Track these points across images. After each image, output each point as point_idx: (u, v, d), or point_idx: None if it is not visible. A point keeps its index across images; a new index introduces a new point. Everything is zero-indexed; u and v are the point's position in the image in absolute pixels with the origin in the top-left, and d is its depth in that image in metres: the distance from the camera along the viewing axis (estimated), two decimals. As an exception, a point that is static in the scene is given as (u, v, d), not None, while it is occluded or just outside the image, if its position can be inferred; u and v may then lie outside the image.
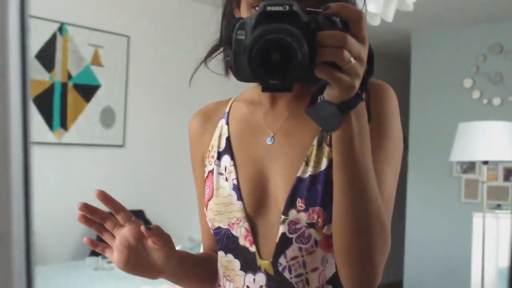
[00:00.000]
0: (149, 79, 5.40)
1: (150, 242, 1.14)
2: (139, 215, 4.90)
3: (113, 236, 1.17)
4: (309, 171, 1.12)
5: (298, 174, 1.13)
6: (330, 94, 0.89)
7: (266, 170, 1.18)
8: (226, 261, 1.21)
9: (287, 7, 0.86)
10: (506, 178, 6.30)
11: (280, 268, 1.14)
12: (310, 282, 1.13)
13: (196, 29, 5.69)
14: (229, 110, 1.31)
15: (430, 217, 6.61)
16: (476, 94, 6.41)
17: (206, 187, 1.25)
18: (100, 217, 1.18)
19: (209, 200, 1.23)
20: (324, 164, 1.12)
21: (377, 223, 0.99)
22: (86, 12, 4.92)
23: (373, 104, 1.06)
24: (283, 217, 1.13)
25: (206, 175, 1.27)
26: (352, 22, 0.86)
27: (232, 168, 1.22)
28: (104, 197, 1.18)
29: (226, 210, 1.20)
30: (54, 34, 4.69)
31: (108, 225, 1.18)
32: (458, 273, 6.08)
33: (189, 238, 4.71)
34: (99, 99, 4.99)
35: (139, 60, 5.30)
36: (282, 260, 1.14)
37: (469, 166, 6.49)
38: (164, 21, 5.52)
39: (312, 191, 1.11)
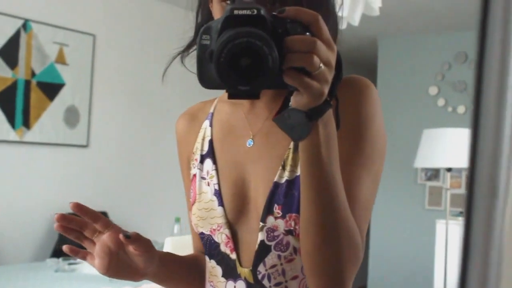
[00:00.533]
0: (115, 78, 5.34)
1: (130, 248, 1.11)
2: (102, 217, 4.83)
3: (94, 243, 1.14)
4: (286, 176, 1.10)
5: (275, 179, 1.11)
6: (298, 101, 0.86)
7: (246, 174, 1.16)
8: (211, 267, 1.20)
9: (255, 11, 0.83)
10: (469, 186, 6.37)
11: (259, 276, 1.12)
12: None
13: (162, 28, 5.67)
14: (213, 110, 1.28)
15: (394, 223, 6.65)
16: (441, 102, 6.48)
17: (191, 191, 1.24)
18: (78, 225, 1.14)
19: (192, 204, 1.22)
20: (289, 169, 1.10)
21: (345, 233, 0.96)
22: (51, 9, 4.84)
23: (350, 104, 1.04)
24: (261, 224, 1.11)
25: (191, 178, 1.25)
26: (310, 25, 0.83)
27: (214, 173, 1.20)
28: (80, 208, 1.13)
29: (208, 216, 1.18)
30: (18, 31, 4.61)
31: (87, 233, 1.14)
32: (421, 279, 6.12)
33: (153, 241, 4.65)
34: (64, 98, 4.91)
35: (105, 59, 5.24)
36: (261, 268, 1.12)
37: (433, 174, 6.55)
38: (130, 20, 5.48)
39: (289, 196, 1.09)
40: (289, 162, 1.10)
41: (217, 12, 1.10)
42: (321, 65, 0.81)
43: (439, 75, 6.51)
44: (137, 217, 5.34)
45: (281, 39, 0.82)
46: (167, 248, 3.06)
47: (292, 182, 1.09)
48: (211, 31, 0.87)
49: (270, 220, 1.10)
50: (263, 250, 1.12)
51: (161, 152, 5.60)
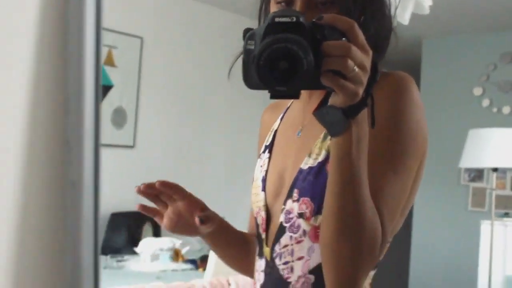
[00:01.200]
0: (161, 81, 5.43)
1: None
2: (147, 217, 4.90)
3: (166, 206, 1.30)
4: (310, 162, 1.18)
5: (300, 166, 1.20)
6: (335, 100, 0.92)
7: (289, 162, 1.25)
8: (256, 246, 1.32)
9: (294, 18, 0.91)
10: (514, 187, 6.30)
11: (274, 255, 1.22)
12: (294, 270, 1.18)
13: (209, 33, 5.74)
14: (290, 105, 1.38)
15: (436, 225, 6.61)
16: (486, 102, 6.41)
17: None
18: (156, 191, 1.31)
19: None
20: (322, 157, 1.17)
21: (364, 229, 0.99)
22: (100, 12, 4.94)
23: (386, 100, 1.08)
24: (282, 206, 1.21)
25: None
26: (346, 31, 0.90)
27: (266, 161, 1.32)
28: (166, 184, 1.29)
29: (255, 200, 1.31)
30: (68, 34, 4.72)
31: (163, 197, 1.31)
32: (464, 281, 6.07)
33: (197, 239, 4.72)
34: (111, 99, 5.01)
35: (152, 61, 5.33)
36: (277, 247, 1.22)
37: (477, 175, 6.49)
38: (178, 24, 5.55)
39: (305, 182, 1.17)
40: (315, 150, 1.18)
41: None
42: (355, 68, 0.88)
43: (484, 75, 6.45)
44: (182, 216, 5.39)
45: (319, 44, 0.89)
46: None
47: (313, 168, 1.17)
48: (255, 36, 0.94)
49: (289, 203, 1.20)
50: (280, 231, 1.21)
51: (206, 153, 5.67)
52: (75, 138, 0.41)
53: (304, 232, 1.17)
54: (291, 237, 1.19)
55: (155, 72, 5.36)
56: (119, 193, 4.97)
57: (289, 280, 1.19)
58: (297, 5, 1.12)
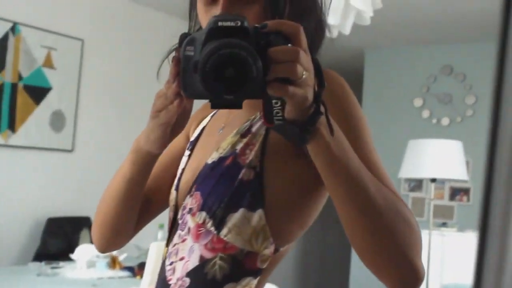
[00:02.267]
0: (102, 84, 5.34)
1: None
2: (85, 222, 4.82)
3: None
4: (214, 157, 1.12)
5: (206, 161, 1.14)
6: (288, 112, 0.88)
7: (204, 159, 1.18)
8: None
9: (239, 23, 0.86)
10: (451, 197, 6.42)
11: (166, 254, 1.17)
12: (175, 271, 1.12)
13: (150, 34, 5.67)
14: None
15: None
16: (426, 113, 6.53)
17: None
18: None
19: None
20: (226, 152, 1.11)
21: (391, 213, 0.95)
22: (40, 13, 4.84)
23: (332, 102, 1.03)
24: (183, 203, 1.16)
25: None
26: (292, 37, 0.86)
27: (185, 159, 1.25)
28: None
29: (170, 198, 1.23)
30: (6, 34, 4.60)
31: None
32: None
33: (136, 246, 4.65)
34: (50, 102, 4.90)
35: (93, 64, 5.23)
36: (170, 247, 1.17)
37: (416, 185, 6.59)
38: (119, 26, 5.48)
39: (200, 177, 1.13)
40: (223, 145, 1.13)
41: (201, 12, 1.12)
42: (304, 72, 0.84)
43: (424, 87, 6.57)
44: (121, 222, 5.31)
45: (264, 51, 0.85)
46: (153, 253, 3.06)
47: (214, 163, 1.12)
48: (195, 42, 0.89)
49: (187, 198, 1.15)
50: (174, 228, 1.18)
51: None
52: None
53: (189, 229, 1.12)
54: (179, 235, 1.14)
55: (96, 75, 5.27)
56: (57, 198, 4.86)
57: (170, 282, 1.13)
58: (220, 3, 1.05)
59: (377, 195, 0.94)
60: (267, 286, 1.18)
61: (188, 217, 1.12)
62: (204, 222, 1.08)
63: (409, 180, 6.56)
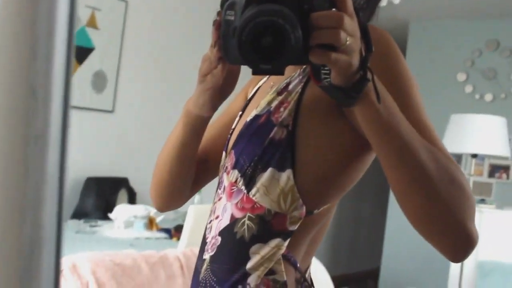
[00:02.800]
0: (144, 46, 5.34)
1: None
2: (123, 183, 4.86)
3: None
4: (252, 114, 1.12)
5: (247, 119, 1.14)
6: (333, 78, 0.86)
7: None
8: None
9: None
10: (490, 174, 6.33)
11: (210, 213, 1.17)
12: (212, 229, 1.13)
13: (196, -1, 5.64)
14: None
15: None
16: (469, 89, 6.42)
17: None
18: None
19: None
20: (260, 109, 1.11)
21: (444, 177, 0.92)
22: (85, -28, 4.84)
23: (379, 62, 0.99)
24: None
25: None
26: (337, 1, 0.83)
27: (237, 120, 1.25)
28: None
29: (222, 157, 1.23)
30: (52, -8, 4.61)
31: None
32: (437, 266, 6.11)
33: (174, 210, 4.68)
34: (92, 62, 4.92)
35: (136, 25, 5.23)
36: (212, 206, 1.18)
37: (456, 160, 6.51)
38: (164, -11, 5.46)
39: (238, 136, 1.13)
40: (262, 104, 1.11)
41: None
42: (348, 38, 0.81)
43: (469, 61, 6.44)
44: (158, 185, 5.35)
45: (307, 16, 0.82)
46: (190, 216, 3.07)
47: (250, 120, 1.11)
48: (235, 6, 0.87)
49: (227, 158, 1.16)
50: (217, 188, 1.18)
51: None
52: (42, 87, 0.36)
53: (224, 188, 1.12)
54: (218, 193, 1.14)
55: (138, 37, 5.27)
56: (96, 158, 4.91)
57: (207, 240, 1.13)
58: None
59: (429, 160, 0.92)
60: (314, 262, 1.17)
61: (224, 176, 1.13)
62: (236, 181, 1.08)
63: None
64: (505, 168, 6.27)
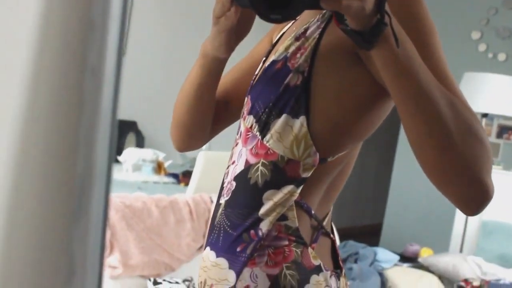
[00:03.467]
0: (157, -11, 5.28)
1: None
2: (131, 126, 4.87)
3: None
4: (269, 60, 1.12)
5: (265, 65, 1.13)
6: (348, 21, 0.86)
7: None
8: None
9: None
10: (498, 135, 6.32)
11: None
12: (229, 174, 1.13)
13: None
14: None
15: (418, 166, 6.63)
16: (482, 47, 6.35)
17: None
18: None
19: None
20: (278, 55, 1.10)
21: (462, 127, 0.91)
22: None
23: (400, 9, 0.97)
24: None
25: None
26: None
27: (261, 65, 1.21)
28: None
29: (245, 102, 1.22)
30: None
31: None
32: (441, 222, 6.15)
33: (181, 154, 4.70)
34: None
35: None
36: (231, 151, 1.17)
37: (465, 119, 6.49)
38: None
39: (256, 79, 1.13)
40: (281, 49, 1.10)
41: None
42: None
43: (484, 19, 6.35)
44: (165, 129, 5.35)
45: None
46: (199, 162, 3.08)
47: (267, 66, 1.11)
48: None
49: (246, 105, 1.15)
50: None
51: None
52: (100, 18, 0.35)
53: (240, 134, 1.12)
54: (235, 139, 1.14)
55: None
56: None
57: (224, 185, 1.14)
58: None
59: (448, 109, 0.90)
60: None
61: (241, 121, 1.13)
62: (251, 126, 1.08)
63: (457, 114, 6.46)
64: (514, 129, 6.25)
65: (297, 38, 1.08)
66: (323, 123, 1.04)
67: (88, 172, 0.36)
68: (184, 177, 4.01)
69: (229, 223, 1.09)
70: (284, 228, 1.06)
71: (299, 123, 1.03)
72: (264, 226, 1.06)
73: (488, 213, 4.66)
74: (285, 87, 1.05)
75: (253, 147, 1.08)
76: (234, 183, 1.10)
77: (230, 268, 1.07)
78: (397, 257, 3.81)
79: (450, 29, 6.52)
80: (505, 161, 5.85)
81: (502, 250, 4.31)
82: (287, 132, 1.04)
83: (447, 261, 4.11)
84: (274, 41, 1.27)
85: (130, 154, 4.01)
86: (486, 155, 0.92)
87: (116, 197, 2.45)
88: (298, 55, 1.06)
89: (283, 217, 1.06)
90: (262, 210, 1.06)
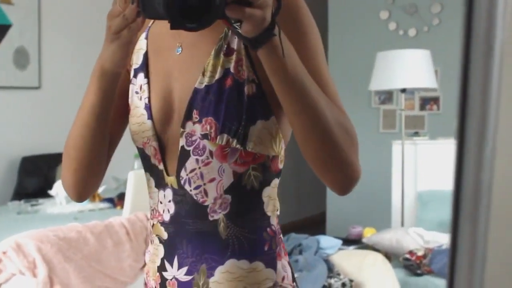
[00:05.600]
0: (63, 17, 5.22)
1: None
2: (59, 158, 4.79)
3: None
4: (205, 81, 1.14)
5: (195, 85, 1.15)
6: (244, 29, 0.91)
7: (173, 83, 1.19)
8: (147, 180, 1.25)
9: None
10: (422, 108, 6.49)
11: (182, 182, 1.17)
12: (208, 192, 1.16)
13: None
14: (151, 23, 1.28)
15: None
16: (392, 26, 6.52)
17: (129, 103, 1.26)
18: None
19: (129, 120, 1.25)
20: (218, 74, 1.13)
21: (336, 124, 1.06)
22: None
23: (287, 16, 1.07)
24: (181, 129, 1.16)
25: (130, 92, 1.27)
26: None
27: (146, 87, 1.23)
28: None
29: (140, 130, 1.21)
30: (-42, -29, 4.44)
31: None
32: (379, 200, 6.28)
33: (113, 177, 4.66)
34: (11, 39, 4.78)
35: (51, -3, 5.09)
36: (183, 173, 1.17)
37: (387, 97, 6.64)
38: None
39: (206, 101, 1.13)
40: (209, 68, 1.14)
41: None
42: None
43: (390, -1, 6.53)
44: (96, 156, 5.29)
45: None
46: (131, 183, 3.07)
47: (210, 87, 1.13)
48: None
49: (189, 125, 1.15)
50: (183, 156, 1.17)
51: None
52: None
53: (211, 153, 1.14)
54: (197, 160, 1.15)
55: (56, 8, 5.14)
56: (29, 137, 4.82)
57: (205, 203, 1.16)
58: None
59: (327, 108, 1.05)
60: None
61: (205, 142, 1.14)
62: (228, 143, 1.12)
63: (379, 93, 6.60)
64: (435, 100, 6.43)
65: (226, 54, 1.14)
66: (282, 117, 1.15)
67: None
68: (119, 200, 3.98)
69: (247, 230, 1.17)
70: (277, 218, 1.22)
71: (272, 123, 1.14)
72: (273, 221, 1.20)
73: (422, 183, 4.79)
74: (248, 98, 1.11)
75: (236, 159, 1.14)
76: (228, 196, 1.16)
77: (267, 267, 1.17)
78: (339, 242, 3.87)
79: (358, 12, 6.67)
80: (431, 131, 6.02)
81: (441, 217, 4.43)
82: (265, 134, 1.13)
83: (389, 237, 4.21)
84: (136, 64, 1.26)
85: (61, 187, 3.94)
86: (354, 144, 1.10)
87: (49, 231, 2.42)
88: (239, 67, 1.13)
89: (276, 208, 1.22)
90: (266, 208, 1.19)
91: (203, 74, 1.14)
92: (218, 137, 1.12)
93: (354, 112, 6.71)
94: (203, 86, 1.14)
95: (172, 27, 0.87)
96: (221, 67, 1.13)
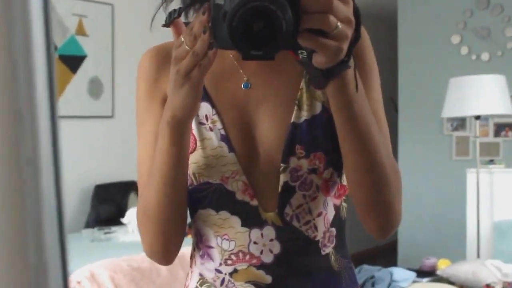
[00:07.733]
0: (136, 47, 5.32)
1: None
2: (132, 186, 4.87)
3: None
4: (304, 115, 1.11)
5: (292, 120, 1.10)
6: (317, 60, 0.85)
7: (251, 116, 1.12)
8: (220, 219, 1.12)
9: None
10: (496, 134, 6.32)
11: (287, 218, 1.11)
12: (318, 227, 1.14)
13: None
14: None
15: (422, 176, 6.62)
16: (464, 50, 6.38)
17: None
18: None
19: (191, 153, 1.11)
20: (318, 108, 1.11)
21: (390, 166, 1.04)
22: (68, -19, 4.82)
23: (354, 53, 0.97)
24: (283, 165, 1.10)
25: None
26: None
27: (216, 117, 1.13)
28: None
29: (218, 163, 1.10)
30: (37, 5, 4.60)
31: None
32: (454, 230, 6.11)
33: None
34: (86, 70, 4.92)
35: (124, 28, 5.22)
36: (288, 210, 1.11)
37: (460, 124, 6.48)
38: (148, -12, 5.43)
39: (311, 136, 1.10)
40: (304, 101, 1.12)
41: None
42: (339, 24, 0.81)
43: (461, 23, 6.40)
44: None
45: (297, 0, 0.81)
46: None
47: (312, 122, 1.11)
48: None
49: (293, 160, 1.10)
50: (287, 192, 1.11)
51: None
52: (27, 108, 0.35)
53: (317, 187, 1.12)
54: (304, 195, 1.11)
55: (128, 39, 5.25)
56: (102, 165, 4.92)
57: (316, 238, 1.13)
58: None
59: (383, 151, 1.02)
60: None
61: (312, 177, 1.11)
62: (331, 176, 1.13)
63: (451, 120, 6.46)
64: (510, 126, 6.24)
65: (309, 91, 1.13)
66: None
67: (40, 261, 0.36)
68: (190, 228, 3.98)
69: (347, 260, 1.21)
70: None
71: None
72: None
73: (499, 213, 4.63)
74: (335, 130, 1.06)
75: (335, 191, 1.15)
76: (333, 229, 1.17)
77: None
78: (413, 274, 3.77)
79: (429, 37, 6.57)
80: (506, 159, 5.84)
81: (519, 248, 4.28)
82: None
83: (465, 269, 4.07)
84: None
85: (134, 215, 4.00)
86: (400, 186, 1.10)
87: (123, 260, 2.44)
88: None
89: None
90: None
91: (300, 108, 1.11)
92: (325, 171, 1.11)
93: (426, 139, 6.60)
94: (302, 120, 1.10)
95: (243, 58, 0.83)
96: (319, 101, 1.11)
